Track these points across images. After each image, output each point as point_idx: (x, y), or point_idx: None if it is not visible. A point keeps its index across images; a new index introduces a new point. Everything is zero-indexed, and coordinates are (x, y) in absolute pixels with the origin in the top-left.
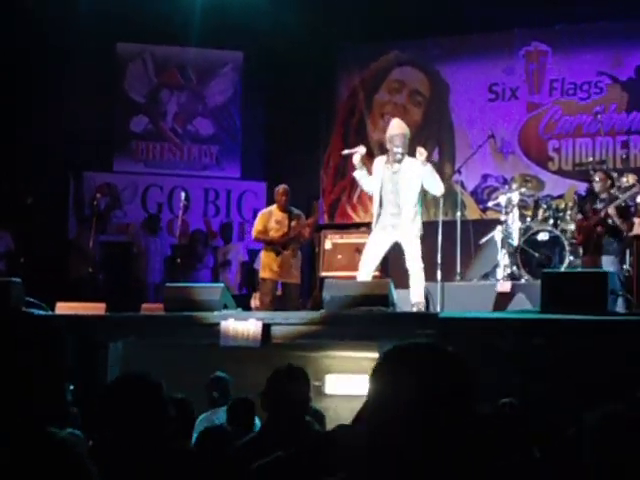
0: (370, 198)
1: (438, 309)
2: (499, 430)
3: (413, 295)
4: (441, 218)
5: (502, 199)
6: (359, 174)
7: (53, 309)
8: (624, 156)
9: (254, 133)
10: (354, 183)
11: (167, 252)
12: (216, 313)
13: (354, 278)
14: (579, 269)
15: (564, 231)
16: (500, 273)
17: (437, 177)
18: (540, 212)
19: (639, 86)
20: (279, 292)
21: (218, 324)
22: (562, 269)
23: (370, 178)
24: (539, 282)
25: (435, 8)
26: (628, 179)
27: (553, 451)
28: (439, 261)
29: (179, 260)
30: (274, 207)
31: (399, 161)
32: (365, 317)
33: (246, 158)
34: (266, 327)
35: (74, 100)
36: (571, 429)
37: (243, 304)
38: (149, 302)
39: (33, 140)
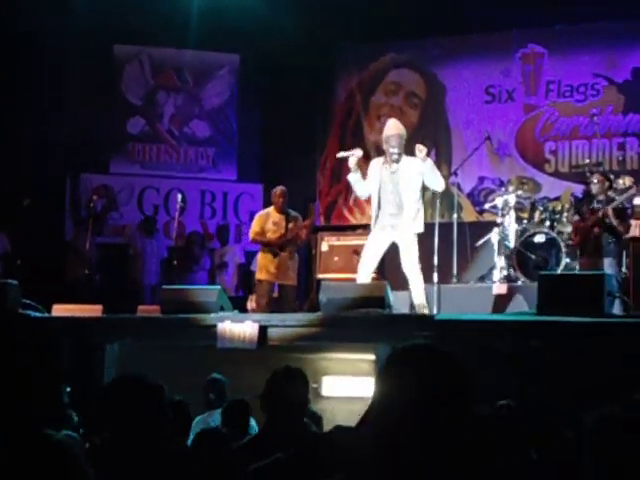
0: (367, 200)
1: (435, 311)
2: (497, 431)
3: (415, 297)
4: (437, 220)
5: (498, 201)
6: (353, 177)
7: (49, 311)
8: (620, 158)
9: (251, 135)
10: (350, 185)
11: (163, 254)
12: (213, 315)
13: (351, 280)
14: (576, 271)
15: (560, 233)
16: (496, 275)
17: (437, 173)
18: (536, 214)
19: (635, 88)
20: (275, 294)
21: (215, 326)
22: (559, 271)
23: (364, 182)
24: (536, 284)
25: (431, 10)
26: (624, 181)
27: (551, 453)
28: (435, 263)
29: (175, 262)
30: (271, 209)
31: (396, 161)
32: (362, 319)
33: (242, 160)
34: (263, 329)
35: (71, 102)
36: (570, 432)
37: (239, 306)
38: (145, 304)
39: (30, 141)
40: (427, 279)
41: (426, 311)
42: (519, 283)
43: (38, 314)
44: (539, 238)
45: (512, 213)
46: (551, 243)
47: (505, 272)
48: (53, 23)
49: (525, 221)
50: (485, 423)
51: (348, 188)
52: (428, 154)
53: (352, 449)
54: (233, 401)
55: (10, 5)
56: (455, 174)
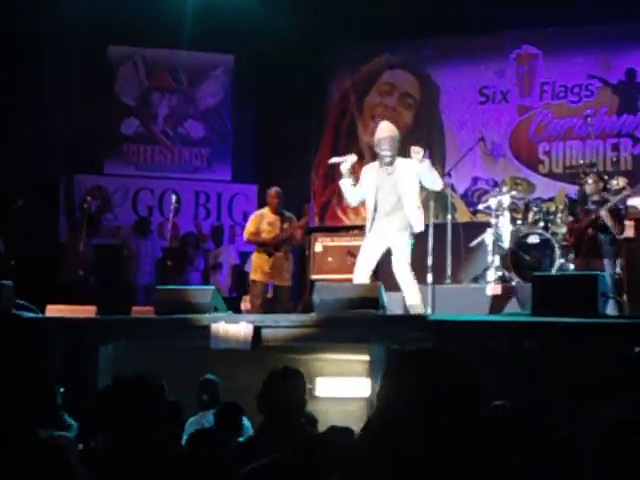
0: (362, 202)
1: (429, 312)
2: (496, 431)
3: (409, 298)
4: (432, 221)
5: (492, 202)
6: (344, 183)
7: (43, 312)
8: (614, 159)
9: (245, 136)
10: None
11: (158, 254)
12: (207, 316)
13: (345, 281)
14: (570, 272)
15: (555, 234)
16: (491, 276)
17: (435, 172)
18: (530, 215)
19: (629, 89)
20: (270, 295)
21: (209, 326)
22: (553, 272)
23: (354, 190)
24: (530, 285)
25: (426, 11)
26: (618, 182)
27: (546, 453)
28: (430, 264)
29: (170, 263)
30: (266, 209)
31: (390, 163)
32: (356, 320)
33: (237, 161)
34: (257, 330)
35: (65, 102)
36: (563, 432)
37: (234, 307)
38: (139, 305)
39: (24, 142)
40: (421, 280)
41: (421, 311)
42: (513, 284)
43: (32, 315)
44: (533, 239)
45: (506, 214)
46: (545, 244)
47: (499, 273)
48: (47, 24)
49: (519, 222)
50: (485, 423)
51: None
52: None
53: (347, 450)
54: (226, 403)
55: (10, 5)
56: (449, 175)
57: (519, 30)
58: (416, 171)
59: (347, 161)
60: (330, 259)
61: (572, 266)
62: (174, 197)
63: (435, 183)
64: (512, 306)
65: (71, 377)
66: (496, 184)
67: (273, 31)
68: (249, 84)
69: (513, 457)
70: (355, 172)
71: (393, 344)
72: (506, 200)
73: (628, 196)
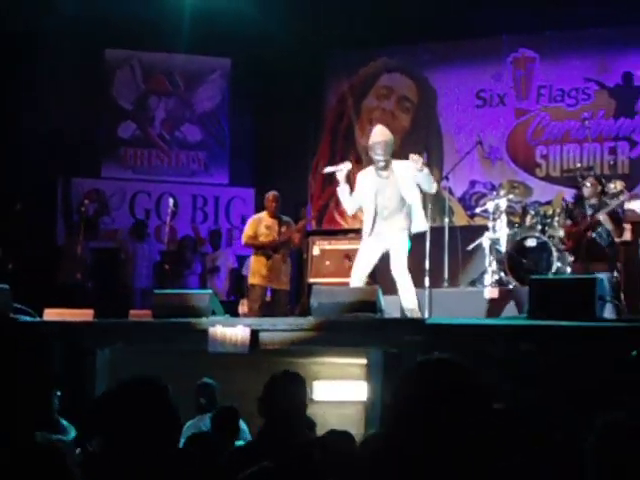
0: (359, 209)
1: (426, 315)
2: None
3: (406, 302)
4: (429, 224)
5: (490, 205)
6: (342, 191)
7: (41, 315)
8: (611, 162)
9: (242, 139)
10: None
11: (155, 258)
12: (204, 319)
13: (342, 284)
14: (567, 275)
15: (552, 237)
16: (488, 279)
17: (432, 178)
18: (528, 218)
19: (626, 92)
20: (268, 298)
21: (206, 330)
22: (550, 275)
23: (351, 198)
24: (527, 288)
25: (423, 14)
26: (616, 185)
27: (548, 454)
28: (427, 267)
29: (167, 266)
30: (264, 213)
31: (385, 168)
32: (353, 323)
33: (234, 164)
34: (254, 333)
35: (62, 106)
36: (558, 433)
37: (231, 310)
38: (136, 308)
39: (21, 145)
40: (418, 283)
41: (418, 315)
42: (510, 287)
43: (29, 318)
44: (530, 242)
45: (503, 217)
46: (542, 247)
47: (496, 276)
48: (45, 27)
49: (516, 225)
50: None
51: None
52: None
53: (345, 453)
54: (222, 408)
55: (10, 5)
56: (446, 178)
57: (516, 33)
58: (412, 173)
59: (343, 169)
60: (327, 262)
61: (569, 269)
62: (171, 200)
63: (431, 187)
64: (509, 309)
65: (68, 380)
66: (493, 187)
67: (270, 35)
68: (246, 88)
69: (515, 457)
70: (352, 179)
71: (390, 348)
72: (503, 203)
73: (626, 200)
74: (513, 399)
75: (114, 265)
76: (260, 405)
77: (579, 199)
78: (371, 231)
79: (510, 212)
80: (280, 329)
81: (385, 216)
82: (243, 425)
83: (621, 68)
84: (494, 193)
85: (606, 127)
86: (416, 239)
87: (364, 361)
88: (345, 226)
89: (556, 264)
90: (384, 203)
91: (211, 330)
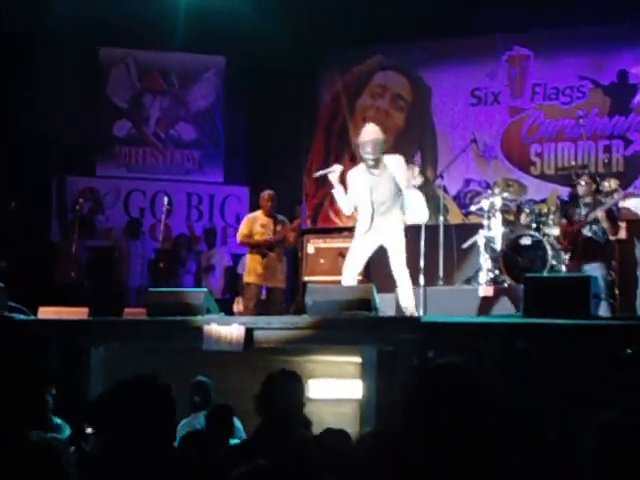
0: (356, 208)
1: (421, 313)
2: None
3: (404, 300)
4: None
5: (485, 203)
6: (337, 192)
7: (36, 313)
8: (606, 160)
9: (237, 138)
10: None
11: (149, 255)
12: (199, 317)
13: (337, 283)
14: (562, 273)
15: (547, 235)
16: (483, 277)
17: (424, 204)
18: (523, 216)
19: (621, 90)
20: (263, 296)
21: (201, 328)
22: (545, 273)
23: (346, 199)
24: (522, 286)
25: (418, 12)
26: (610, 184)
27: (546, 453)
28: (422, 265)
29: (162, 265)
30: (259, 212)
31: (375, 166)
32: (348, 322)
33: (229, 163)
34: (249, 331)
35: (57, 104)
36: (554, 431)
37: (226, 309)
38: (130, 306)
39: (16, 144)
40: (413, 281)
41: (414, 313)
42: (505, 285)
43: (24, 317)
44: (525, 240)
45: (498, 215)
46: (537, 245)
47: (491, 274)
48: (39, 26)
49: (511, 223)
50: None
51: None
52: (413, 157)
53: (341, 451)
54: (217, 405)
55: (10, 5)
56: (441, 176)
57: (511, 32)
58: (404, 168)
59: (335, 171)
60: (322, 261)
61: (564, 267)
62: (166, 199)
63: (421, 214)
64: (504, 307)
65: (63, 379)
66: (488, 186)
67: (265, 33)
68: (240, 86)
69: (513, 457)
70: (344, 178)
71: (386, 346)
72: (498, 202)
73: (621, 198)
74: (508, 397)
75: (109, 263)
76: (257, 403)
77: (574, 197)
78: (369, 228)
79: (505, 210)
80: (275, 327)
81: (382, 212)
82: (238, 423)
83: (616, 66)
84: (489, 191)
85: (601, 125)
86: (411, 237)
87: (359, 359)
88: (340, 224)
89: (551, 262)
90: (380, 199)
91: (206, 328)
